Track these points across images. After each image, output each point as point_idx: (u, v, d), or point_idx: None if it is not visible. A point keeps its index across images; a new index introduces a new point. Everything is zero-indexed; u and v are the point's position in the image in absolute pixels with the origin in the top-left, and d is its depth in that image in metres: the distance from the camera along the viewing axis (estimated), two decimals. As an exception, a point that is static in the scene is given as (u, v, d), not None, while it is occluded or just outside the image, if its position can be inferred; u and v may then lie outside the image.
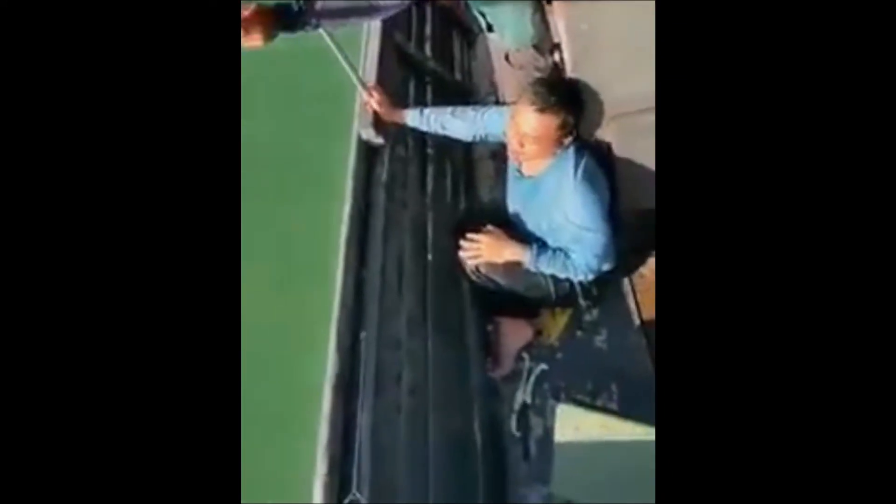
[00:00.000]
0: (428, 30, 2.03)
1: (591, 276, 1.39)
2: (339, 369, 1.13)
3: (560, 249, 1.39)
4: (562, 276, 1.41)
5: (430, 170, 1.78)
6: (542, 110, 1.21)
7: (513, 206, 1.51)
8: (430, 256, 1.61)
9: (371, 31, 1.70)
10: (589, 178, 1.29)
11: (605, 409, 1.58)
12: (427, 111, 1.55)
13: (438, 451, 1.32)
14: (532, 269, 1.41)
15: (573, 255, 1.36)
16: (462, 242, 1.44)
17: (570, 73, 1.28)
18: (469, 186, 1.95)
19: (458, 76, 2.11)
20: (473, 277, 1.48)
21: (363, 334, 1.26)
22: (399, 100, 1.65)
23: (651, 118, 1.24)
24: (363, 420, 1.15)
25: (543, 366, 1.68)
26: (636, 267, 1.71)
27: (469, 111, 1.52)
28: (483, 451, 1.47)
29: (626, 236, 1.51)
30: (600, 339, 1.70)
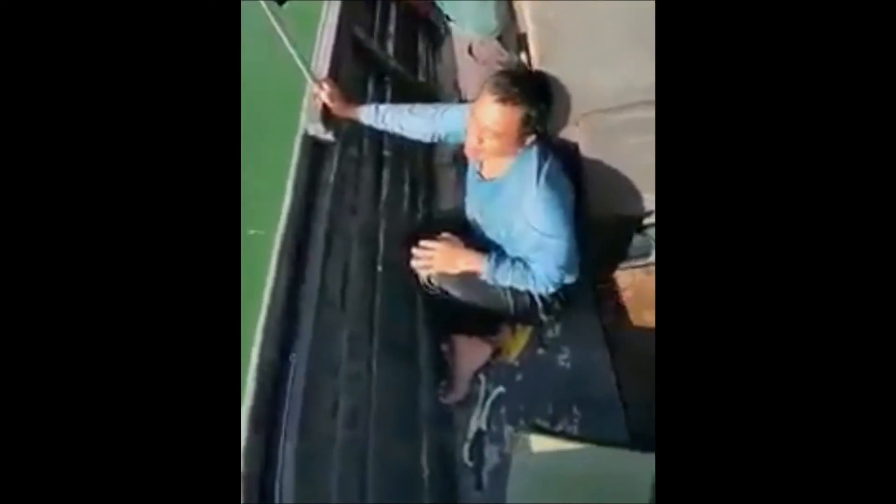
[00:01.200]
0: (391, 28, 1.92)
1: (552, 289, 1.27)
2: (259, 398, 0.95)
3: (520, 259, 1.27)
4: (521, 288, 1.28)
5: (386, 174, 1.64)
6: (503, 101, 1.09)
7: (471, 211, 1.38)
8: (379, 268, 1.46)
9: (327, 23, 1.57)
10: (553, 182, 1.18)
11: (564, 435, 1.45)
12: (383, 108, 1.42)
13: (379, 487, 1.15)
14: (489, 280, 1.28)
15: (534, 266, 1.24)
16: (414, 251, 1.30)
17: (536, 65, 1.18)
18: (428, 194, 1.82)
19: (421, 78, 2.00)
20: (426, 289, 1.33)
21: (293, 356, 1.08)
22: (355, 97, 1.51)
23: (624, 117, 1.15)
24: (286, 457, 0.97)
25: (501, 389, 1.54)
26: (602, 279, 1.60)
27: (428, 108, 1.39)
28: (430, 483, 1.31)
29: (592, 245, 1.40)
30: (563, 358, 1.58)
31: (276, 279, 1.11)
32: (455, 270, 1.28)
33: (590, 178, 1.28)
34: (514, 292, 1.31)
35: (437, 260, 1.28)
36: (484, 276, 1.27)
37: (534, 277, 1.25)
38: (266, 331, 1.03)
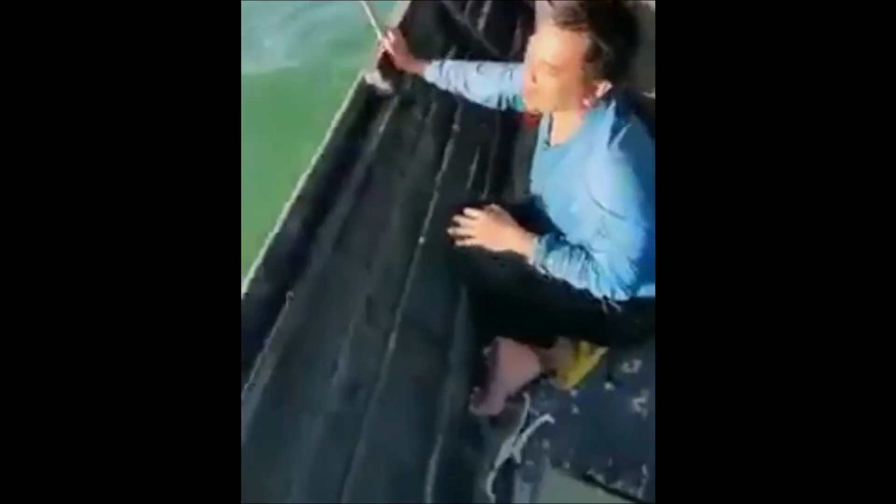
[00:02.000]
0: (486, 8, 1.79)
1: (621, 292, 0.97)
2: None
3: (581, 247, 1.00)
4: (580, 285, 1.01)
5: (451, 147, 1.48)
6: (564, 25, 0.86)
7: (534, 186, 1.15)
8: (422, 240, 1.28)
9: None
10: (631, 147, 0.91)
11: (624, 495, 1.11)
12: (448, 64, 1.27)
13: (363, 484, 0.93)
14: (538, 267, 1.02)
15: (597, 256, 0.97)
16: (456, 218, 1.10)
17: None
18: (499, 181, 1.61)
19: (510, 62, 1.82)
20: (460, 262, 1.12)
21: (290, 293, 0.93)
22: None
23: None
24: (252, 399, 0.81)
25: (549, 418, 1.25)
26: None
27: (497, 67, 1.22)
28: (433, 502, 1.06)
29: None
30: (639, 402, 1.24)
31: (292, 212, 0.98)
32: (497, 247, 1.06)
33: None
34: (570, 291, 1.03)
35: (478, 230, 1.07)
36: (531, 261, 1.03)
37: (596, 272, 0.97)
38: (265, 263, 0.90)
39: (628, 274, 0.95)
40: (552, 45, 0.88)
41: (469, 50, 1.61)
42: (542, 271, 1.03)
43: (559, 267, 1.00)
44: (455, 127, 1.49)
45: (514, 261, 1.04)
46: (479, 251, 1.07)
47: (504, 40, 1.83)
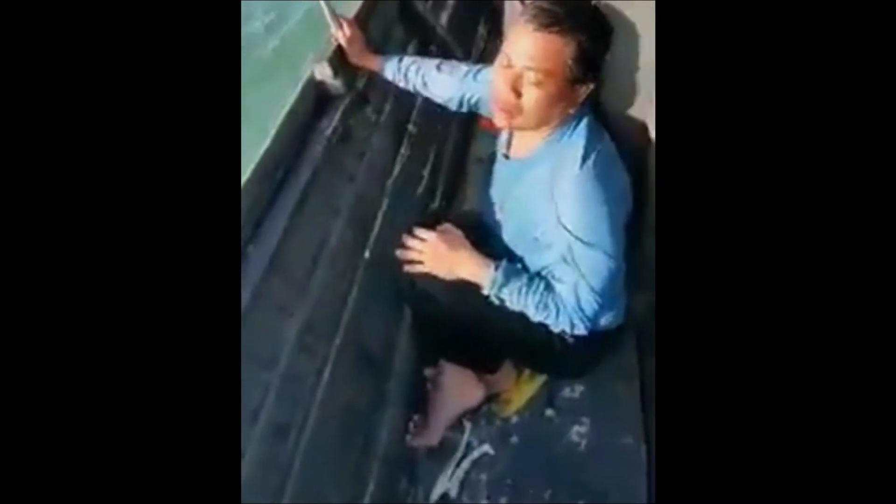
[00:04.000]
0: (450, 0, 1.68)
1: (581, 326, 0.90)
2: None
3: (540, 276, 0.92)
4: (537, 316, 0.92)
5: (405, 150, 1.35)
6: (545, 27, 0.77)
7: (486, 201, 1.05)
8: (367, 254, 1.15)
9: None
10: (604, 172, 0.83)
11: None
12: (407, 61, 1.15)
13: None
14: (493, 298, 0.93)
15: (559, 287, 0.88)
16: (405, 239, 0.98)
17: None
18: (452, 188, 1.51)
19: (473, 61, 1.73)
20: (406, 286, 1.01)
21: None
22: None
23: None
24: None
25: (488, 448, 1.17)
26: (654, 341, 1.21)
27: (460, 67, 1.11)
28: None
29: (649, 286, 1.03)
30: (578, 431, 1.19)
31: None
32: (449, 275, 0.95)
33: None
34: (525, 322, 0.94)
35: (428, 256, 0.96)
36: (486, 291, 0.93)
37: (556, 303, 0.89)
38: None
39: (591, 306, 0.87)
40: (534, 49, 0.78)
41: (431, 45, 1.49)
42: (497, 302, 0.94)
43: (516, 299, 0.91)
44: (410, 128, 1.37)
45: (466, 289, 0.94)
46: (428, 277, 0.96)
47: (467, 37, 1.72)
